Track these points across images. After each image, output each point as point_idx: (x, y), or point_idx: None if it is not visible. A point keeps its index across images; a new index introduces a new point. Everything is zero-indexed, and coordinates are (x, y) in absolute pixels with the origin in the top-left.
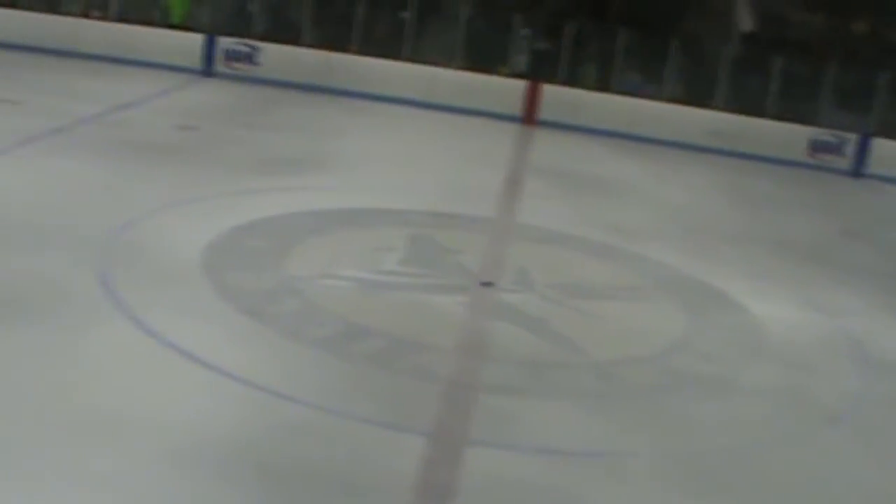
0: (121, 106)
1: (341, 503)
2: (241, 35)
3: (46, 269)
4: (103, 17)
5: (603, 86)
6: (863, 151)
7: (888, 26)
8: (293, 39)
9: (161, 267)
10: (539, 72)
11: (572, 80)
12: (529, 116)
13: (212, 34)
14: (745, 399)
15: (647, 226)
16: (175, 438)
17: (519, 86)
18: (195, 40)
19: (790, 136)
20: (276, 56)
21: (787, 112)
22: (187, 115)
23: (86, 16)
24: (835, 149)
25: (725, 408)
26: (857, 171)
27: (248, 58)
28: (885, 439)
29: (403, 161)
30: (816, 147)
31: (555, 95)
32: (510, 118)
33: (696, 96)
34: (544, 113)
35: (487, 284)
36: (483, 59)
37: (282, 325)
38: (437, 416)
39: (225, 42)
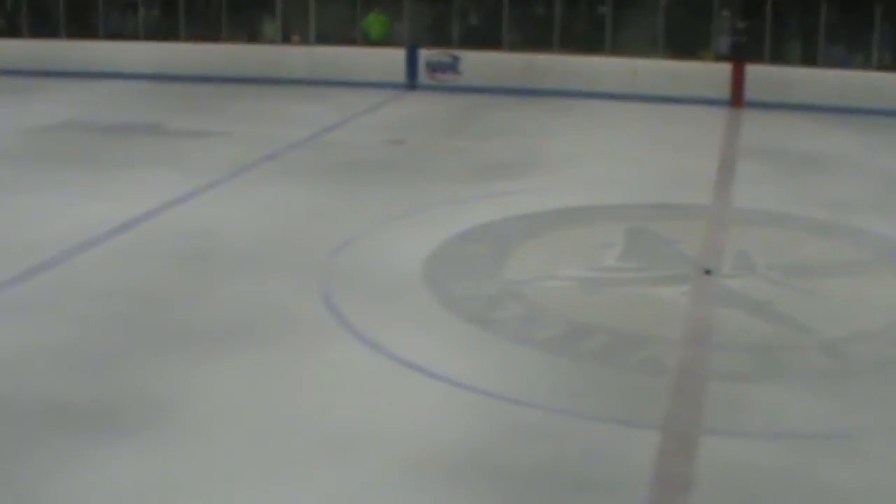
0: (329, 127)
1: (577, 500)
2: (441, 45)
3: (272, 295)
4: (303, 42)
5: (809, 61)
6: None
7: None
8: (493, 45)
9: (383, 282)
10: (742, 53)
11: (777, 58)
12: (737, 98)
13: (412, 47)
14: None
15: (864, 198)
16: (411, 449)
17: (723, 69)
18: (396, 55)
19: None
20: (477, 63)
21: None
22: (395, 130)
23: (286, 41)
24: None
25: None
26: None
27: (451, 67)
28: None
29: (613, 155)
30: None
31: (760, 75)
32: (717, 102)
33: None
34: (751, 93)
35: (709, 272)
36: (685, 45)
37: (507, 329)
38: (669, 408)
39: (426, 54)
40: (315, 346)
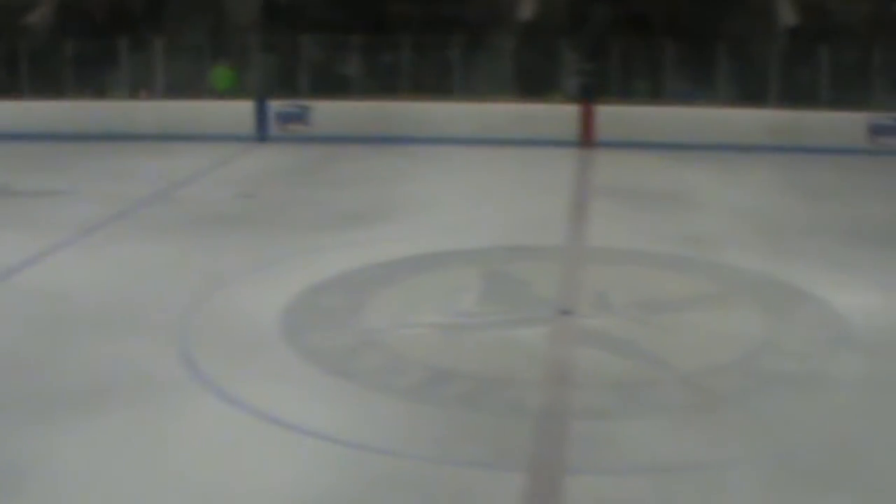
0: (179, 182)
1: None
2: (290, 96)
3: (130, 355)
4: (151, 97)
5: (655, 99)
6: None
7: None
8: (343, 94)
9: (242, 338)
10: (591, 93)
11: (625, 97)
12: (587, 138)
13: (261, 99)
14: (837, 392)
15: (717, 232)
16: None
17: (573, 110)
18: (245, 107)
19: (848, 123)
20: (328, 113)
21: (842, 100)
22: (247, 183)
23: (134, 97)
24: (894, 131)
25: (819, 403)
26: None
27: (300, 118)
28: None
29: (466, 200)
30: (876, 131)
31: (609, 114)
32: (567, 143)
33: (749, 96)
34: (601, 133)
35: (567, 312)
36: (534, 87)
37: (367, 379)
38: (534, 449)
39: (276, 105)
40: (176, 405)
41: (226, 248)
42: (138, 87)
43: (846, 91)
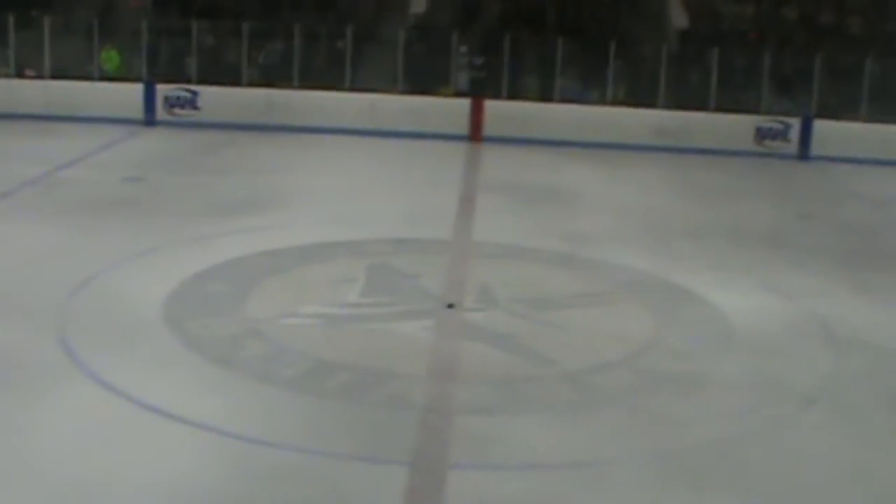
0: (65, 164)
1: None
2: (179, 81)
3: (5, 339)
4: (38, 76)
5: (546, 96)
6: (807, 134)
7: (817, 10)
8: (232, 80)
9: (123, 323)
10: (481, 88)
11: (515, 94)
12: (476, 133)
13: (150, 82)
14: (720, 391)
15: (603, 230)
16: (159, 498)
17: (463, 104)
18: (134, 90)
19: (736, 126)
20: (216, 99)
21: (730, 103)
22: (133, 167)
23: (20, 76)
24: (780, 134)
25: (702, 402)
26: (804, 154)
27: (189, 103)
28: (861, 415)
29: (354, 191)
30: (762, 134)
31: (499, 110)
32: (457, 137)
33: (639, 97)
34: (490, 129)
35: (451, 306)
36: (424, 81)
37: (250, 369)
38: (416, 443)
39: (164, 89)
40: (52, 391)
41: (109, 232)
42: (24, 66)
43: (734, 94)
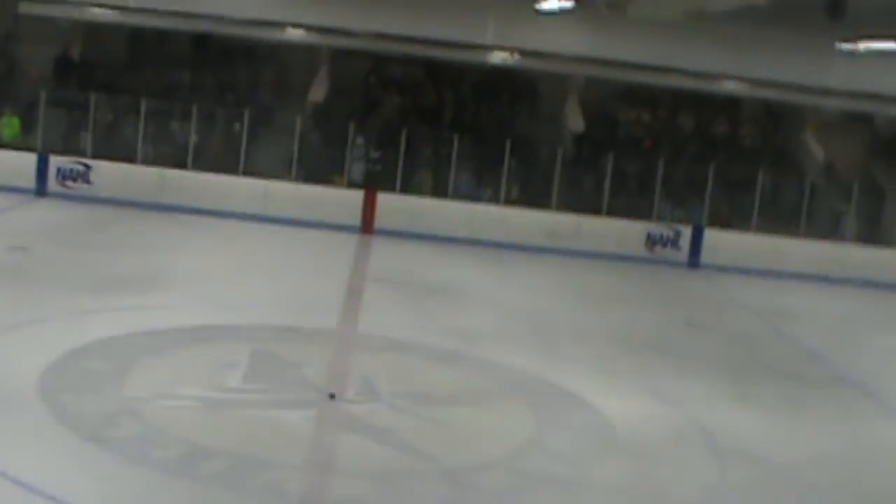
0: None
1: None
2: (74, 154)
3: None
4: None
5: (439, 191)
6: (697, 243)
7: (712, 121)
8: (127, 157)
9: None
10: (375, 180)
11: (408, 188)
12: (367, 225)
13: (44, 153)
14: (599, 497)
15: (490, 329)
16: None
17: (356, 195)
18: (28, 160)
19: (627, 231)
20: (110, 174)
21: (622, 208)
22: (19, 236)
23: None
24: (671, 242)
25: None
26: (694, 262)
27: (82, 176)
28: None
29: (242, 276)
30: (654, 241)
31: (392, 203)
32: (348, 228)
33: (533, 198)
34: (382, 221)
35: (333, 397)
36: (319, 170)
37: (123, 449)
38: None
39: (58, 161)
40: None
41: None
42: None
43: (627, 199)
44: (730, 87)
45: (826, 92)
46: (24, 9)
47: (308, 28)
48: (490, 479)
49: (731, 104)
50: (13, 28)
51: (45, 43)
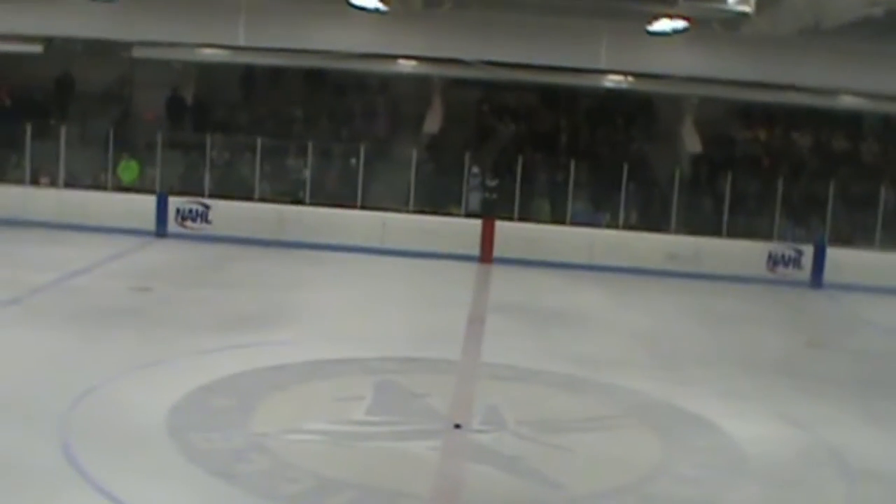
0: (75, 272)
1: None
2: (192, 194)
3: (8, 445)
4: (52, 184)
5: (557, 218)
6: (820, 262)
7: (830, 137)
8: (244, 195)
9: (125, 433)
10: (492, 209)
11: (526, 215)
12: (486, 254)
13: (163, 194)
14: None
15: (612, 354)
16: None
17: (474, 225)
18: (147, 202)
19: (748, 252)
20: (228, 213)
21: (742, 229)
22: (142, 277)
23: (35, 183)
24: (793, 261)
25: None
26: (816, 281)
27: (201, 216)
28: None
29: (362, 309)
30: (775, 261)
31: (510, 231)
32: (467, 257)
33: (651, 221)
34: (501, 250)
35: (458, 426)
36: (436, 200)
37: (253, 484)
38: None
39: (177, 201)
40: (52, 499)
41: (116, 341)
42: (39, 174)
43: (747, 219)
44: (848, 101)
45: None
46: (138, 53)
47: (419, 59)
48: None
49: (849, 119)
50: (128, 73)
51: (158, 86)
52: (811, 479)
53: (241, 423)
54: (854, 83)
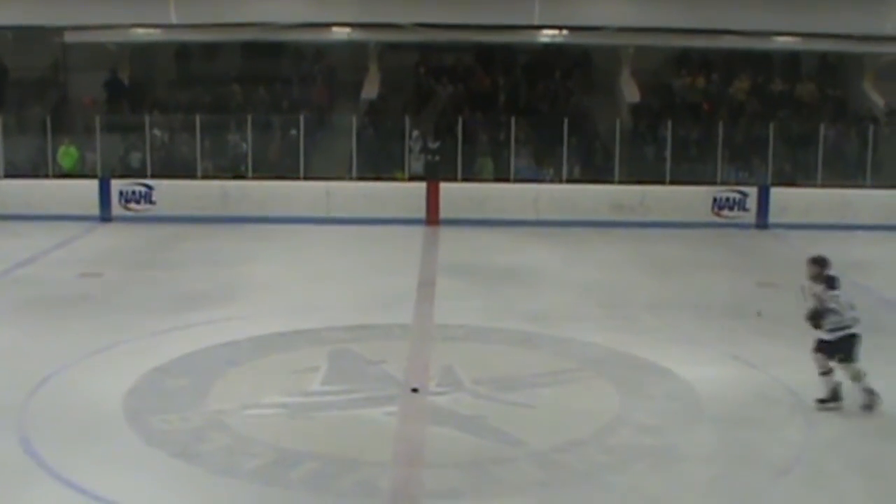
0: (20, 263)
1: None
2: (134, 176)
3: None
4: None
5: (501, 176)
6: (764, 203)
7: (768, 79)
8: (187, 174)
9: (83, 421)
10: (435, 171)
11: (469, 176)
12: (433, 217)
13: (105, 178)
14: (692, 465)
15: (565, 308)
16: None
17: (418, 188)
18: (90, 186)
19: (693, 197)
20: (172, 192)
21: (686, 175)
22: (90, 263)
23: None
24: (737, 204)
25: (674, 477)
26: (762, 222)
27: (145, 197)
28: (835, 483)
29: (312, 279)
30: (720, 205)
31: (455, 192)
32: (414, 221)
33: (595, 173)
34: (447, 211)
35: (416, 390)
36: (379, 166)
37: (214, 462)
38: None
39: (119, 184)
40: (13, 493)
41: (67, 329)
42: None
43: (689, 166)
44: (783, 42)
45: (882, 38)
46: (70, 37)
47: (353, 26)
48: (580, 458)
49: (786, 60)
50: (61, 58)
51: (94, 69)
52: (769, 418)
53: (197, 402)
54: (789, 24)
